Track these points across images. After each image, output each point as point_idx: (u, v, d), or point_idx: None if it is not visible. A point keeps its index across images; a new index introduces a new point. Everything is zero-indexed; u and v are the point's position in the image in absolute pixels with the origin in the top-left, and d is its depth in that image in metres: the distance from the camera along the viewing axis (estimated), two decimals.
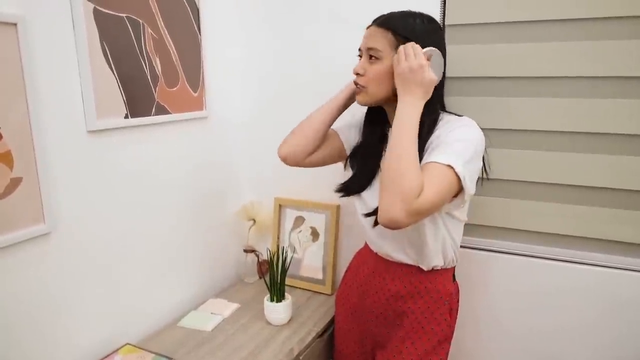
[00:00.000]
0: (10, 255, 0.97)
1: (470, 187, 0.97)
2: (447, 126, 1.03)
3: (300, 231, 1.61)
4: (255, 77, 1.63)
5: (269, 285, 1.35)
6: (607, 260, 1.28)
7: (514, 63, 1.28)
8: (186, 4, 1.36)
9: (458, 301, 1.22)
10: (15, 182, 0.96)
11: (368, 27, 1.07)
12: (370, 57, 1.05)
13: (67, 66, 1.05)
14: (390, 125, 1.15)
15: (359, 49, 1.09)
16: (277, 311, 1.35)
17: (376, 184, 1.14)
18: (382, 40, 1.02)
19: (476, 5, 1.29)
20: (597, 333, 1.31)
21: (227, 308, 1.45)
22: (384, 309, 1.18)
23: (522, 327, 1.39)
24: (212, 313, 1.42)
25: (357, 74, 1.08)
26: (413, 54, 0.97)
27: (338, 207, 1.54)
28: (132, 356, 1.17)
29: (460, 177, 0.94)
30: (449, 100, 1.37)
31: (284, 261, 1.34)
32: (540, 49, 1.25)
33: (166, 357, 1.17)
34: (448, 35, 1.34)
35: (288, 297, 1.37)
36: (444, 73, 1.07)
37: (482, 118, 1.33)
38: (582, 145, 1.26)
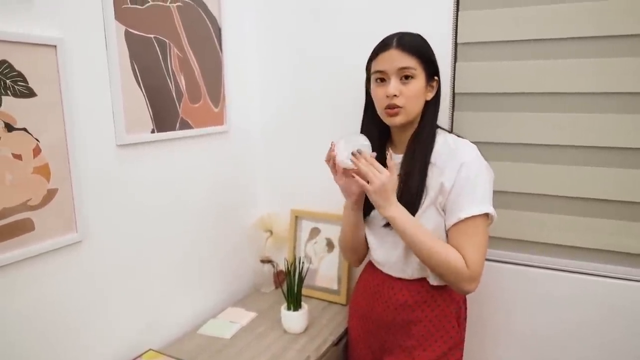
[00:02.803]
0: (44, 263, 1.03)
1: (495, 215, 1.10)
2: (455, 159, 1.09)
3: (315, 242, 1.65)
4: (273, 92, 1.69)
5: (286, 294, 1.39)
6: (611, 271, 1.31)
7: (522, 79, 1.32)
8: (209, 24, 1.43)
9: (466, 309, 1.26)
10: (52, 193, 1.02)
11: (386, 50, 1.11)
12: (404, 77, 1.10)
13: (100, 84, 1.12)
14: (392, 143, 1.22)
15: (379, 72, 1.12)
16: (294, 319, 1.38)
17: None
18: (410, 59, 1.09)
19: (487, 23, 1.34)
20: (603, 341, 1.33)
21: (245, 317, 1.49)
22: (393, 317, 1.22)
23: (530, 335, 1.41)
24: (230, 321, 1.46)
25: (394, 96, 1.10)
26: (374, 170, 1.04)
27: None
28: None
29: (492, 215, 1.08)
30: (460, 115, 1.42)
31: (300, 270, 1.38)
32: (548, 66, 1.29)
33: None
34: (460, 52, 1.39)
35: (304, 306, 1.40)
36: (439, 89, 1.17)
37: (492, 132, 1.39)
38: (588, 159, 1.30)
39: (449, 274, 1.05)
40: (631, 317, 1.29)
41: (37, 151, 0.98)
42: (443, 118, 1.41)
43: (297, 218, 1.69)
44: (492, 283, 1.43)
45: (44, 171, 1.00)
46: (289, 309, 1.39)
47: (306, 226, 1.68)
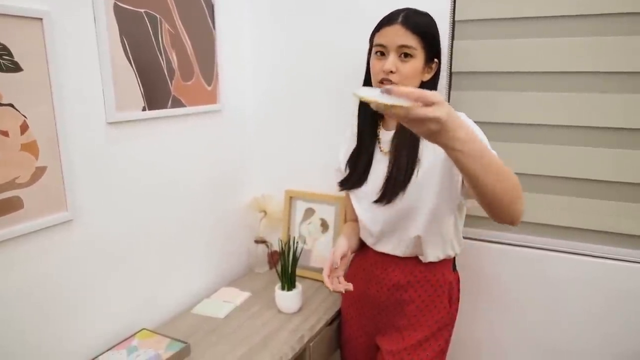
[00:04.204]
0: (35, 242, 1.02)
1: None
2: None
3: (310, 223, 1.65)
4: (267, 71, 1.66)
5: (280, 274, 1.39)
6: (612, 253, 1.31)
7: (521, 58, 1.30)
8: (202, 0, 1.40)
9: (459, 290, 1.27)
10: (41, 171, 1.00)
11: (390, 25, 1.08)
12: (404, 55, 1.07)
13: (88, 60, 1.09)
14: (383, 127, 1.21)
15: (380, 45, 1.09)
16: (288, 299, 1.38)
17: (371, 177, 1.20)
18: (412, 38, 1.06)
19: (485, 1, 1.31)
20: (604, 324, 1.34)
21: (238, 297, 1.49)
22: (386, 297, 1.22)
23: (530, 317, 1.42)
24: (224, 301, 1.46)
25: (390, 72, 1.07)
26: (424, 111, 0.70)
27: None
28: (148, 340, 1.22)
29: None
30: (457, 95, 1.40)
31: (295, 250, 1.37)
32: (547, 44, 1.27)
33: (181, 341, 1.21)
34: (458, 30, 1.36)
35: (298, 286, 1.40)
36: (438, 71, 1.14)
37: (489, 112, 1.37)
38: (587, 139, 1.28)
39: (517, 192, 0.88)
40: (630, 298, 1.29)
41: (24, 128, 0.96)
42: None
43: (291, 199, 1.68)
44: (488, 264, 1.43)
45: (32, 148, 0.98)
46: (282, 288, 1.39)
47: (300, 207, 1.67)
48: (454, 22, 1.36)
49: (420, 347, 1.18)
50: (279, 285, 1.41)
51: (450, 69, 1.39)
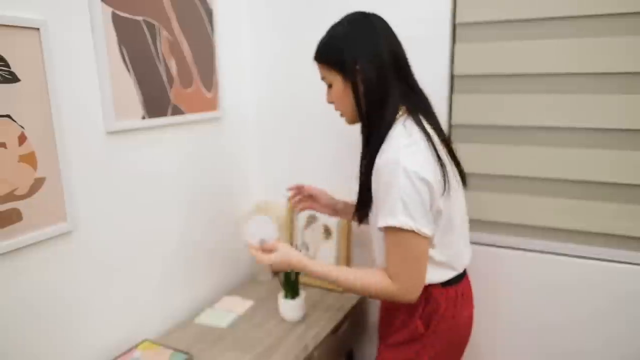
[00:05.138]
0: (34, 253, 1.00)
1: (426, 229, 0.94)
2: (377, 173, 0.97)
3: (313, 229, 1.63)
4: (267, 77, 1.65)
5: (283, 282, 1.37)
6: (613, 255, 1.30)
7: (522, 61, 1.29)
8: (200, 6, 1.39)
9: (447, 307, 1.08)
10: (39, 182, 0.99)
11: None
12: (328, 85, 1.09)
13: (86, 69, 1.08)
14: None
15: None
16: (292, 308, 1.37)
17: None
18: (321, 68, 1.08)
19: (486, 4, 1.30)
20: (606, 326, 1.32)
21: (241, 305, 1.47)
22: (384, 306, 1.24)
23: (530, 320, 1.41)
24: (227, 310, 1.44)
25: (332, 103, 1.11)
26: (262, 257, 1.11)
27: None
28: (151, 352, 1.20)
29: (408, 227, 0.92)
30: (459, 98, 1.39)
31: None
32: (548, 46, 1.26)
33: (184, 352, 1.19)
34: (458, 33, 1.35)
35: (302, 294, 1.39)
36: (365, 78, 0.99)
37: (491, 115, 1.36)
38: (589, 141, 1.27)
39: (382, 296, 1.02)
40: (631, 300, 1.28)
41: (22, 139, 0.95)
42: (441, 101, 1.39)
43: None
44: (489, 267, 1.41)
45: (30, 159, 0.97)
46: (286, 297, 1.38)
47: (303, 213, 1.65)
48: (454, 25, 1.35)
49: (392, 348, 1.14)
50: (282, 293, 1.39)
51: (452, 72, 1.37)
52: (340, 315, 1.42)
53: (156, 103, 1.26)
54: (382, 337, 1.21)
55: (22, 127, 0.95)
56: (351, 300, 1.51)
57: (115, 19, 1.12)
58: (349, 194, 1.25)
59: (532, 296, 1.39)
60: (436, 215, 0.98)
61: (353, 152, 1.25)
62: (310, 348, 1.28)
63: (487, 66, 1.33)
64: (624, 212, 1.27)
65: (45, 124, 0.99)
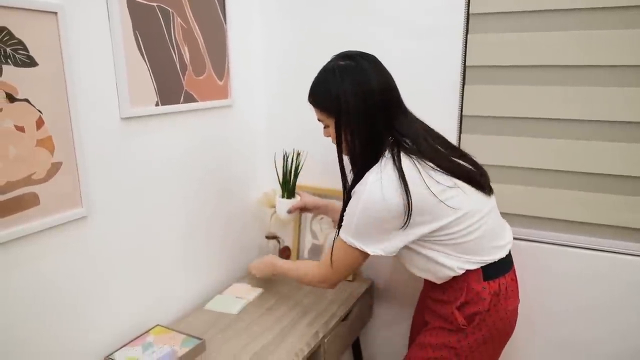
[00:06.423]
0: (50, 238, 1.01)
1: (369, 249, 1.08)
2: (357, 194, 1.08)
3: (321, 218, 1.64)
4: (278, 66, 1.65)
5: (281, 183, 1.50)
6: (622, 247, 1.31)
7: (535, 52, 1.29)
8: None
9: (490, 303, 1.09)
10: (56, 167, 0.99)
11: None
12: (325, 126, 1.17)
13: (102, 54, 1.08)
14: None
15: None
16: (287, 206, 1.47)
17: None
18: (316, 112, 1.16)
19: None
20: (614, 317, 1.34)
21: (251, 292, 1.49)
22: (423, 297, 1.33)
23: (540, 311, 1.42)
24: (237, 297, 1.46)
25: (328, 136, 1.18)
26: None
27: None
28: (163, 337, 1.21)
29: (353, 245, 1.09)
30: (471, 89, 1.38)
31: (297, 164, 1.50)
32: (561, 38, 1.25)
33: (197, 337, 1.20)
34: (472, 24, 1.35)
35: (297, 196, 1.51)
36: (352, 128, 1.08)
37: (502, 106, 1.36)
38: (598, 134, 1.28)
39: (309, 276, 1.24)
40: (639, 292, 1.29)
41: (40, 123, 0.95)
42: (454, 92, 1.39)
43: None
44: None
45: (47, 144, 0.97)
46: (282, 196, 1.49)
47: None
48: (468, 15, 1.34)
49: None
50: (279, 194, 1.51)
51: (465, 63, 1.37)
52: (349, 304, 1.43)
53: (170, 90, 1.26)
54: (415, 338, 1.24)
55: (40, 111, 0.95)
56: (360, 288, 1.52)
57: (131, 4, 1.12)
58: None
59: (539, 287, 1.40)
60: (421, 223, 1.05)
61: None
62: (321, 335, 1.29)
63: (500, 57, 1.33)
64: (632, 205, 1.28)
65: (62, 109, 0.99)
